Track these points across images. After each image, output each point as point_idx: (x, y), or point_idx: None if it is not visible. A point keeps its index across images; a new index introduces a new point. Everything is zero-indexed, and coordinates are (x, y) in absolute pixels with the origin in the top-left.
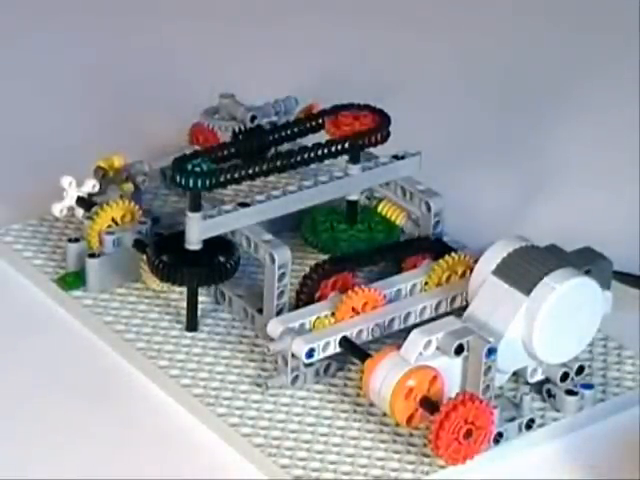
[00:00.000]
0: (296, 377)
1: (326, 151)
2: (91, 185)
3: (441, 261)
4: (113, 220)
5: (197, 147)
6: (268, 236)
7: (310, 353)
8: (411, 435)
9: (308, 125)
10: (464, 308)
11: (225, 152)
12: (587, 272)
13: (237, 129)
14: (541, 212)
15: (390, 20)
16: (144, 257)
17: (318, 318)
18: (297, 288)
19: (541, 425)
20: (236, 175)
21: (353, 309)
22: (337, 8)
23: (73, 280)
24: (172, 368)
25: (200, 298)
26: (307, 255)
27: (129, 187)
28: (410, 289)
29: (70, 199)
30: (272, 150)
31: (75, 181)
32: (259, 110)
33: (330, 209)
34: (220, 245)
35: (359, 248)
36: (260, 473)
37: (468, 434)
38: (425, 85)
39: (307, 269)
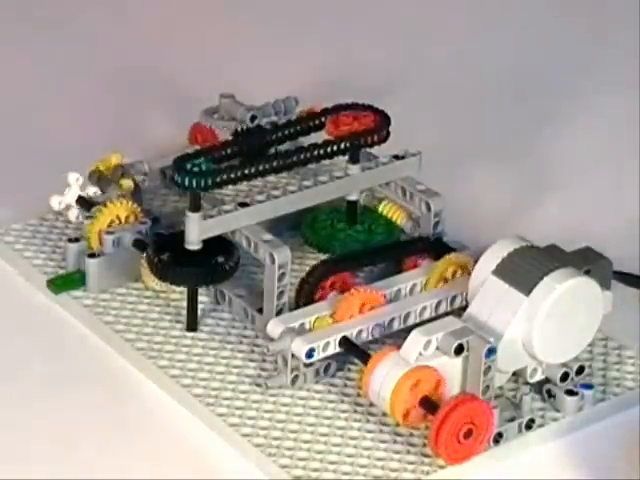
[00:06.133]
0: (296, 377)
1: (326, 151)
2: (92, 191)
3: (441, 261)
4: (116, 220)
5: (197, 147)
6: (268, 236)
7: (310, 353)
8: (411, 435)
9: (308, 125)
10: (464, 308)
11: (225, 152)
12: (587, 272)
13: (237, 129)
14: (541, 212)
15: (390, 20)
16: (144, 257)
17: (318, 318)
18: (297, 288)
19: (541, 425)
20: (236, 175)
21: (353, 309)
22: (337, 8)
23: (62, 283)
24: (172, 368)
25: (200, 298)
26: (307, 255)
27: (128, 183)
28: (410, 289)
29: (71, 196)
30: (272, 150)
31: (82, 179)
32: (259, 110)
33: (333, 208)
34: (220, 245)
35: (354, 248)
36: (260, 473)
37: (468, 434)
38: (425, 85)
39: (307, 269)
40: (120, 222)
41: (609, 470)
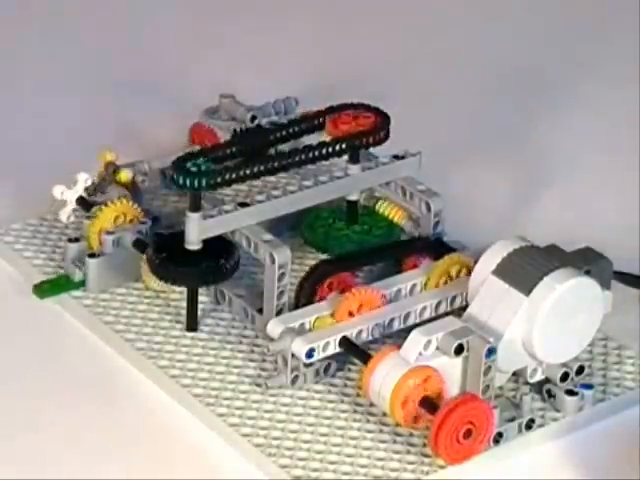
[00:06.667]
0: (296, 377)
1: (326, 151)
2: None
3: (441, 261)
4: (117, 219)
5: (197, 147)
6: (268, 236)
7: (310, 353)
8: (411, 435)
9: (308, 125)
10: (464, 308)
11: (225, 152)
12: (587, 272)
13: (237, 129)
14: (541, 212)
15: (390, 20)
16: (144, 257)
17: (318, 318)
18: (297, 288)
19: (541, 425)
20: (236, 175)
21: (352, 309)
22: (337, 8)
23: (48, 288)
24: (172, 368)
25: (200, 298)
26: (307, 255)
27: (126, 175)
28: (410, 289)
29: (73, 193)
30: (272, 150)
31: (90, 180)
32: (259, 110)
33: (333, 208)
34: (220, 245)
35: (354, 248)
36: (260, 473)
37: (468, 434)
38: (425, 85)
39: (307, 269)
40: (125, 220)
41: (609, 470)
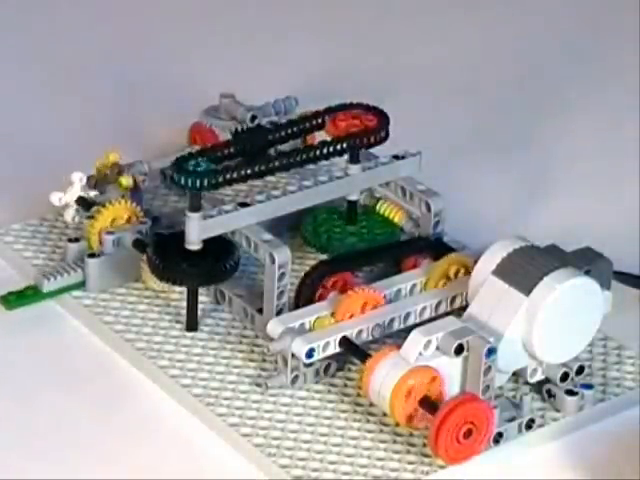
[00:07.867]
0: (296, 377)
1: (326, 151)
2: (92, 194)
3: (441, 261)
4: (116, 220)
5: (197, 147)
6: (268, 236)
7: (310, 353)
8: (411, 435)
9: (308, 125)
10: (464, 308)
11: (225, 152)
12: (587, 272)
13: (237, 129)
14: (541, 212)
15: (390, 20)
16: (144, 257)
17: (318, 318)
18: (297, 288)
19: (541, 425)
20: (236, 175)
21: (353, 309)
22: (337, 8)
23: (15, 299)
24: (172, 368)
25: (200, 298)
26: (307, 255)
27: (127, 180)
28: (410, 289)
29: (71, 195)
30: (272, 150)
31: (85, 178)
32: (259, 110)
33: (333, 208)
34: (220, 245)
35: (354, 248)
36: (260, 473)
37: (468, 434)
38: (425, 85)
39: (307, 269)
40: (125, 220)
41: (609, 470)
